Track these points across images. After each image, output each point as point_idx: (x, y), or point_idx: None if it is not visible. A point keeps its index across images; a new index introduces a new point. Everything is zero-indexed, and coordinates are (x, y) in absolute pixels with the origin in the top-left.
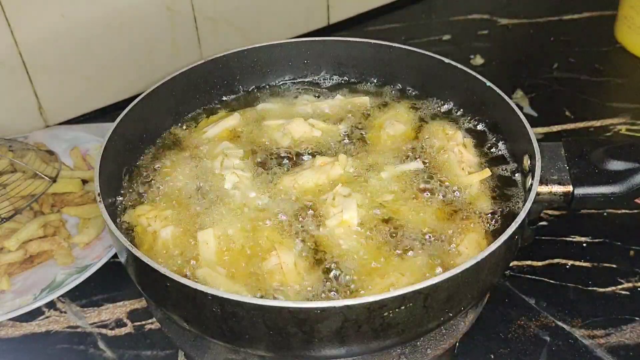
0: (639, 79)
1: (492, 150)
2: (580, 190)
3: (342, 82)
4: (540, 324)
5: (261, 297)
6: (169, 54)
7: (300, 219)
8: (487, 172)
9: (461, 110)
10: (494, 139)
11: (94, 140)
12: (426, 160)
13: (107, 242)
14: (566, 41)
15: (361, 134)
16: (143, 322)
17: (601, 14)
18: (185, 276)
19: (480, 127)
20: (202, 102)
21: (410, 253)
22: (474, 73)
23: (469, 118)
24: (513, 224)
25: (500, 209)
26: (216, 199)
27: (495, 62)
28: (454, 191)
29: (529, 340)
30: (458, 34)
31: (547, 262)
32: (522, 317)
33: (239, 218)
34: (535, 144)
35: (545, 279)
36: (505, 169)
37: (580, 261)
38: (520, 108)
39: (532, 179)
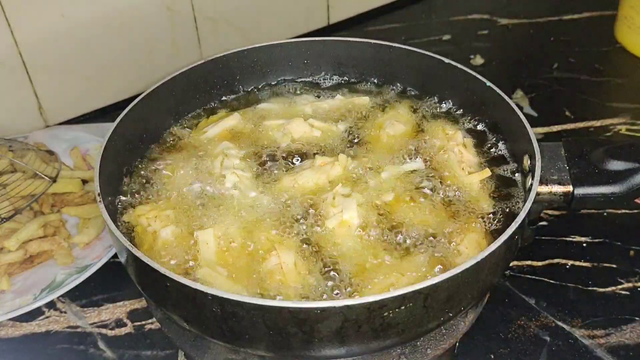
0: (639, 79)
1: (492, 150)
2: (580, 190)
3: (342, 82)
4: (540, 324)
5: (261, 297)
6: (169, 54)
7: (300, 219)
8: (487, 172)
9: (461, 110)
10: (494, 139)
11: (94, 140)
12: (426, 160)
13: (107, 242)
14: (566, 41)
15: (361, 134)
16: (143, 322)
17: (601, 14)
18: (185, 276)
19: (480, 127)
20: (202, 102)
21: (410, 253)
22: (474, 73)
23: (469, 118)
24: (513, 224)
25: (500, 209)
26: (216, 199)
27: (495, 62)
28: (454, 191)
29: (529, 340)
30: (458, 34)
31: (547, 262)
32: (522, 317)
33: (239, 218)
34: (535, 144)
35: (545, 279)
36: (505, 169)
37: (580, 261)
38: (520, 108)
39: (532, 179)
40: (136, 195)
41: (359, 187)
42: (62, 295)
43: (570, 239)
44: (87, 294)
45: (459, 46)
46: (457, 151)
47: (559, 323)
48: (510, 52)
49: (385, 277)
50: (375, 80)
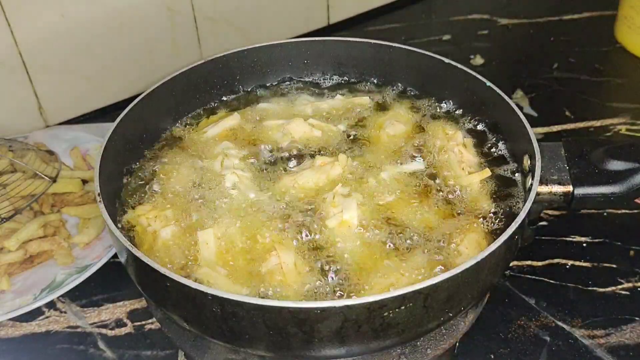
0: (639, 79)
1: (492, 150)
2: (580, 190)
3: (342, 82)
4: (540, 324)
5: (261, 297)
6: (169, 54)
7: (300, 219)
8: (487, 172)
9: (461, 110)
10: (494, 139)
11: (94, 140)
12: (426, 161)
13: (107, 242)
14: (566, 41)
15: (361, 134)
16: (143, 322)
17: (601, 14)
18: (185, 276)
19: (480, 127)
20: (202, 102)
21: (410, 253)
22: (474, 73)
23: (469, 118)
24: (513, 224)
25: (500, 209)
26: (216, 199)
27: (495, 62)
28: (454, 191)
29: (529, 340)
30: (458, 34)
31: (547, 262)
32: (522, 317)
33: (239, 218)
34: (535, 144)
35: (545, 279)
36: (505, 169)
37: (580, 261)
38: (520, 108)
39: (532, 179)
40: (136, 195)
41: (359, 187)
42: (62, 295)
43: (570, 239)
44: (87, 294)
45: (459, 46)
46: (457, 151)
47: (559, 323)
48: (510, 52)
49: (385, 277)
50: (375, 80)
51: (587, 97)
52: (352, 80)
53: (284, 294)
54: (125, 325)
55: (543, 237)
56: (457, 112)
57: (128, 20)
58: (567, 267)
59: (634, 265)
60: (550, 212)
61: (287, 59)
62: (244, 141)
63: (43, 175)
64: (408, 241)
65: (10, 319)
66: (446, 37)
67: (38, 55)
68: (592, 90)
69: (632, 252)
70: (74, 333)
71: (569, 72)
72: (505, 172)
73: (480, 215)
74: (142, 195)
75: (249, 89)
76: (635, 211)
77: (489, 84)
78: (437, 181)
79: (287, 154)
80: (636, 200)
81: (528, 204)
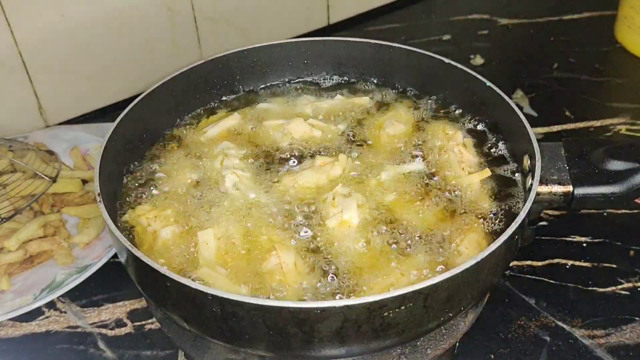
0: (639, 79)
1: (492, 150)
2: (580, 190)
3: (342, 82)
4: (540, 324)
5: (261, 297)
6: (169, 54)
7: (300, 219)
8: (487, 172)
9: (461, 110)
10: (494, 139)
11: (94, 140)
12: (426, 161)
13: (107, 242)
14: (566, 41)
15: (361, 134)
16: (143, 322)
17: (601, 14)
18: (185, 276)
19: (480, 127)
20: (202, 102)
21: (410, 253)
22: (474, 73)
23: (469, 118)
24: (513, 224)
25: (500, 209)
26: (216, 199)
27: (495, 62)
28: (454, 191)
29: (529, 340)
30: (458, 34)
31: (547, 262)
32: (522, 317)
33: (239, 218)
34: (535, 144)
35: (545, 279)
36: (505, 169)
37: (580, 261)
38: (520, 108)
39: (532, 179)
40: (136, 195)
41: (359, 187)
42: (62, 295)
43: (570, 239)
44: (87, 294)
45: (459, 46)
46: (457, 151)
47: (559, 323)
48: (510, 52)
49: (385, 277)
50: (375, 80)
51: (587, 97)
52: (352, 80)
53: (284, 294)
54: (125, 325)
55: (543, 237)
56: (457, 112)
57: (128, 20)
58: (567, 267)
59: (634, 265)
60: (550, 212)
61: (287, 59)
62: (244, 141)
63: (43, 175)
64: (408, 241)
65: (10, 319)
66: (446, 37)
67: (38, 55)
68: (592, 90)
69: (632, 252)
70: (74, 333)
71: (569, 72)
72: (505, 172)
73: (480, 216)
74: (142, 195)
75: (249, 89)
76: (635, 211)
77: (489, 84)
78: (437, 181)
79: (287, 154)
80: (636, 200)
81: (528, 204)
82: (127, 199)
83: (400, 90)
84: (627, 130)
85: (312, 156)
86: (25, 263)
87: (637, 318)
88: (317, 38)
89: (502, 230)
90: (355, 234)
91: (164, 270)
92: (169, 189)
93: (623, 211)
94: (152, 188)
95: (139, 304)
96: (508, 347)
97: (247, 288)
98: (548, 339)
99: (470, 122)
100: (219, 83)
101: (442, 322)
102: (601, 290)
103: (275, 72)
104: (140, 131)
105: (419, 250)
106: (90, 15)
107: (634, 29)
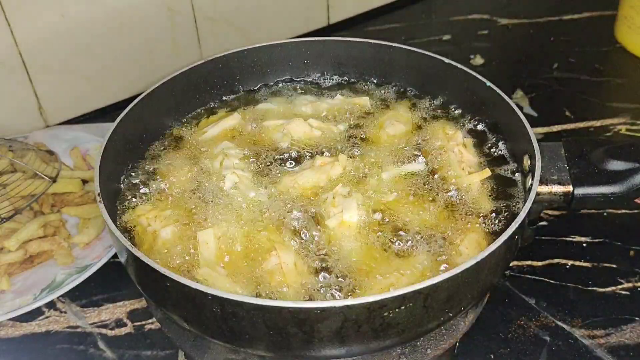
0: (639, 79)
1: (492, 150)
2: (580, 190)
3: (342, 82)
4: (540, 324)
5: (261, 297)
6: (169, 54)
7: (300, 219)
8: (487, 172)
9: (461, 110)
10: (494, 139)
11: (94, 140)
12: (426, 161)
13: (107, 242)
14: (566, 41)
15: (361, 134)
16: (143, 322)
17: (601, 14)
18: (185, 276)
19: (480, 127)
20: (202, 102)
21: (410, 253)
22: (474, 73)
23: (469, 118)
24: (513, 224)
25: (500, 209)
26: (216, 199)
27: (495, 62)
28: (454, 191)
29: (529, 340)
30: (458, 34)
31: (547, 262)
32: (522, 317)
33: (239, 218)
34: (535, 144)
35: (545, 279)
36: (506, 169)
37: (580, 261)
38: (520, 108)
39: (532, 179)
40: (136, 195)
41: (359, 187)
42: (62, 295)
43: (570, 239)
44: (87, 294)
45: (459, 46)
46: (457, 151)
47: (559, 323)
48: (510, 52)
49: (385, 277)
50: (375, 80)
51: (587, 97)
52: (352, 80)
53: (284, 294)
54: (125, 325)
55: (543, 237)
56: (457, 112)
57: (128, 20)
58: (567, 267)
59: (634, 265)
60: (550, 212)
61: (287, 59)
62: (244, 141)
63: (43, 175)
64: (408, 241)
65: (10, 319)
66: (446, 37)
67: (38, 55)
68: (592, 90)
69: (632, 252)
70: (74, 333)
71: (569, 72)
72: (505, 172)
73: (480, 215)
74: (142, 195)
75: (249, 89)
76: (635, 211)
77: (489, 84)
78: (437, 181)
79: (287, 154)
80: (636, 200)
81: (528, 204)
82: (127, 198)
83: (400, 90)
84: (627, 130)
85: (312, 156)
86: (25, 263)
87: (637, 318)
88: (317, 38)
89: (502, 230)
90: (355, 234)
91: (164, 270)
92: (169, 189)
93: (623, 211)
94: (152, 188)
95: (139, 304)
96: (508, 347)
97: (247, 288)
98: (548, 339)
99: (470, 122)
100: (219, 83)
101: (442, 322)
102: (601, 290)
103: (275, 72)
104: (140, 131)
105: (419, 250)
106: (90, 15)
107: (634, 29)
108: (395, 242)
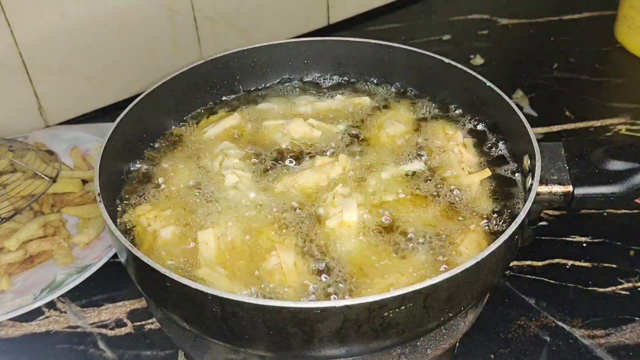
0: (639, 79)
1: (492, 150)
2: (580, 190)
3: (342, 82)
4: (540, 324)
5: (261, 297)
6: (169, 54)
7: (300, 219)
8: (487, 172)
9: (461, 110)
10: (494, 139)
11: (94, 140)
12: (426, 161)
13: (107, 242)
14: (566, 41)
15: (361, 134)
16: (143, 322)
17: (601, 14)
18: (185, 276)
19: (480, 127)
20: (202, 102)
21: (410, 253)
22: (474, 73)
23: (469, 118)
24: (513, 224)
25: (500, 209)
26: (216, 199)
27: (495, 62)
28: (454, 191)
29: (529, 340)
30: (458, 34)
31: (547, 262)
32: (522, 317)
33: (239, 218)
34: (535, 144)
35: (545, 279)
36: (506, 169)
37: (580, 261)
38: (520, 108)
39: (532, 179)
40: (136, 195)
41: (359, 187)
42: (62, 295)
43: (570, 239)
44: (87, 294)
45: (459, 46)
46: (457, 151)
47: (559, 323)
48: (510, 52)
49: (385, 277)
50: (375, 80)
51: (587, 97)
52: (352, 80)
53: (283, 294)
54: (125, 325)
55: (543, 237)
56: (457, 112)
57: (128, 20)
58: (567, 267)
59: (634, 265)
60: (550, 212)
61: (287, 59)
62: (244, 141)
63: (43, 175)
64: (408, 241)
65: (10, 319)
66: (446, 37)
67: (38, 55)
68: (592, 90)
69: (632, 252)
70: (74, 333)
71: (569, 72)
72: (505, 172)
73: (481, 215)
74: (142, 195)
75: (249, 89)
76: (635, 211)
77: (489, 84)
78: (437, 181)
79: (287, 154)
80: (636, 200)
81: (528, 204)
82: (127, 199)
83: (400, 90)
84: (627, 130)
85: (312, 156)
86: (25, 263)
87: (637, 318)
88: (317, 38)
89: (502, 230)
90: (355, 234)
91: (164, 270)
92: (169, 189)
93: (623, 211)
94: (152, 188)
95: (139, 304)
96: (508, 347)
97: (247, 288)
98: (548, 339)
99: (470, 122)
100: (219, 83)
101: (442, 322)
102: (601, 290)
103: (275, 72)
104: (140, 131)
105: (419, 250)
106: (90, 15)
107: (634, 29)
108: (395, 242)
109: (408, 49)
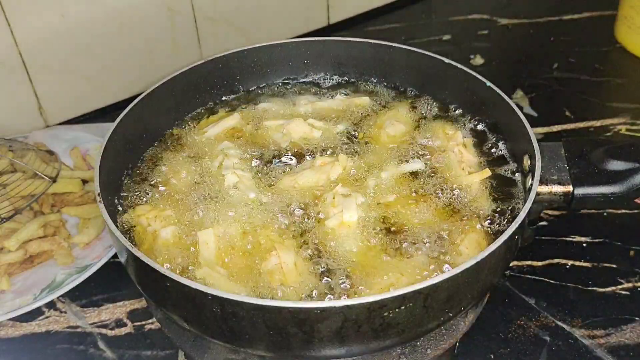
0: (639, 79)
1: (492, 150)
2: (580, 190)
3: (342, 82)
4: (540, 324)
5: (261, 297)
6: (169, 54)
7: (300, 219)
8: (487, 172)
9: (461, 110)
10: (494, 139)
11: (94, 140)
12: (426, 160)
13: (107, 242)
14: (566, 41)
15: (361, 134)
16: (143, 322)
17: (601, 14)
18: (186, 276)
19: (480, 127)
20: (202, 102)
21: (410, 253)
22: (474, 73)
23: (469, 118)
24: (513, 224)
25: (500, 209)
26: (216, 199)
27: (495, 62)
28: (454, 191)
29: (529, 340)
30: (458, 34)
31: (547, 262)
32: (522, 317)
33: (239, 218)
34: (535, 144)
35: (545, 279)
36: (506, 169)
37: (580, 261)
38: (520, 108)
39: (532, 179)
40: (136, 195)
41: (359, 187)
42: (62, 295)
43: (570, 239)
44: (87, 294)
45: (459, 46)
46: (457, 151)
47: (559, 323)
48: (510, 52)
49: (385, 277)
50: (375, 80)
51: (587, 97)
52: (352, 80)
53: (284, 294)
54: (125, 325)
55: (543, 237)
56: (457, 112)
57: (128, 20)
58: (567, 267)
59: (634, 265)
60: (550, 212)
61: (287, 59)
62: (244, 141)
63: (43, 175)
64: (408, 241)
65: (10, 319)
66: (446, 37)
67: (38, 55)
68: (592, 90)
69: (632, 252)
70: (74, 333)
71: (569, 72)
72: (506, 172)
73: (481, 216)
74: (142, 195)
75: (249, 89)
76: (635, 211)
77: (489, 84)
78: (437, 181)
79: (287, 154)
80: (636, 200)
81: (528, 204)
82: (127, 199)
83: (400, 90)
84: (627, 130)
85: (312, 156)
86: (25, 263)
87: (637, 318)
88: (317, 38)
89: (502, 230)
90: (355, 234)
91: (164, 270)
92: (169, 189)
93: (623, 211)
94: (152, 188)
95: (139, 304)
96: (508, 347)
97: (247, 288)
98: (548, 339)
99: (470, 122)
100: (219, 83)
101: (442, 322)
102: (601, 290)
103: (275, 72)
104: (140, 131)
105: (419, 250)
106: (90, 15)
107: (634, 29)
108: (395, 242)
109: (408, 49)
